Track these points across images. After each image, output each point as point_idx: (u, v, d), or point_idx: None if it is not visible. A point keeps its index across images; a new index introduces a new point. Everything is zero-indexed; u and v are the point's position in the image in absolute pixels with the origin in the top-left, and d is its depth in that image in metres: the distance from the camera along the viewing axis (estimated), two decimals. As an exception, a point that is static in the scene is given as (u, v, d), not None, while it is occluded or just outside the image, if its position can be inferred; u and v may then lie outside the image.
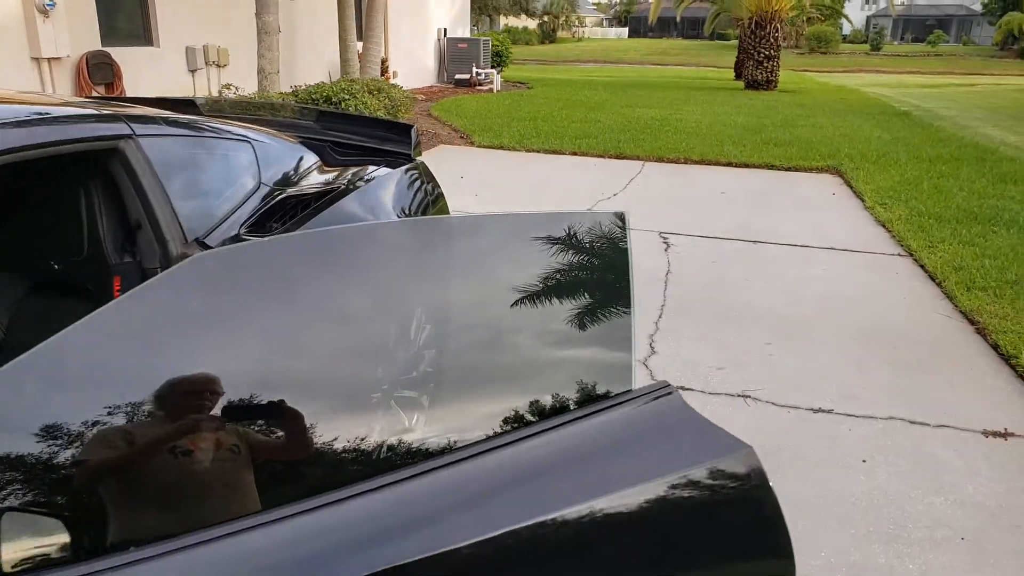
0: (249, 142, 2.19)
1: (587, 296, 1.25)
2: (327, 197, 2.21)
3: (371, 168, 2.71)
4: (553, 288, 1.22)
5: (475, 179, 7.95)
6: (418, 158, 2.92)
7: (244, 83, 9.44)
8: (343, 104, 7.86)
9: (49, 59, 8.32)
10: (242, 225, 1.93)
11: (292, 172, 2.34)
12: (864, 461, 2.94)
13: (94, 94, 8.26)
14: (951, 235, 6.04)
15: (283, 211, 2.07)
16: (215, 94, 9.28)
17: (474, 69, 17.66)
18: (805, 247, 5.89)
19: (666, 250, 5.74)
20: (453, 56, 17.99)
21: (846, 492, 2.72)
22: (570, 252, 1.27)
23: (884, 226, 6.53)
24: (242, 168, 2.09)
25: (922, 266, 5.44)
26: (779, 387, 3.54)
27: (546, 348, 1.19)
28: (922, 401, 3.45)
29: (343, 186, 2.37)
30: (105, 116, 1.72)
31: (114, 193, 1.76)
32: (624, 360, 1.19)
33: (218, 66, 10.60)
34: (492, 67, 18.27)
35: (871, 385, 3.60)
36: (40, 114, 1.55)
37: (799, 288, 4.94)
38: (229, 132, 2.16)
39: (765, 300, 4.73)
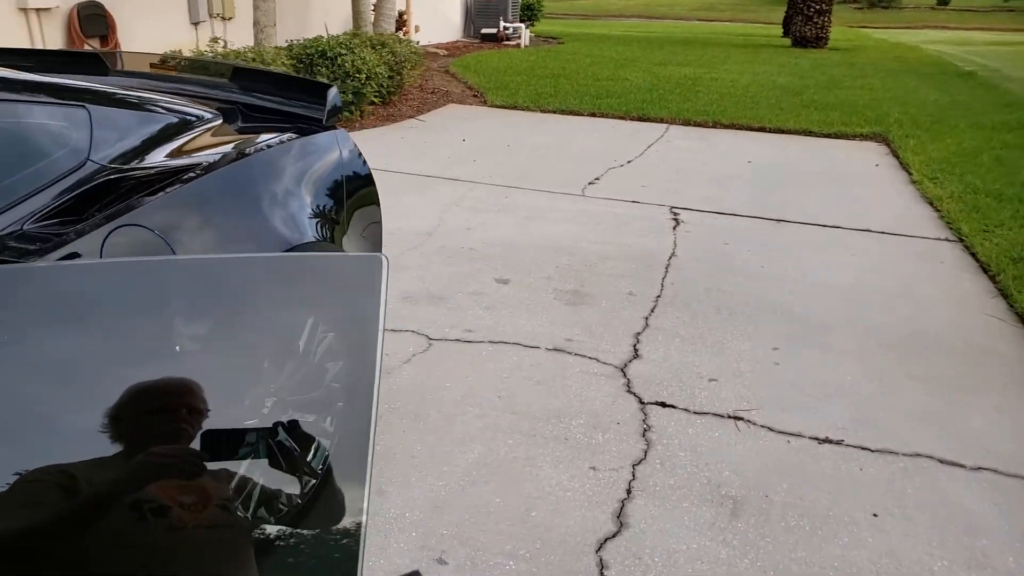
0: (84, 108, 1.71)
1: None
2: (179, 178, 1.73)
3: (265, 137, 2.21)
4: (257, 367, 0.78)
5: (477, 142, 7.39)
6: (336, 128, 2.41)
7: (251, 37, 8.95)
8: (339, 60, 7.34)
9: (37, 9, 7.92)
10: (33, 217, 1.46)
11: (145, 145, 1.86)
12: (875, 515, 2.39)
13: (86, 48, 7.86)
14: (1011, 218, 5.29)
15: (108, 196, 1.60)
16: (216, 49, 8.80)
17: (501, 23, 16.90)
18: (835, 228, 5.23)
19: (674, 228, 5.15)
20: (480, 9, 17.23)
21: (846, 561, 2.19)
22: (299, 314, 0.80)
23: (932, 204, 5.81)
24: (58, 141, 1.61)
25: (973, 254, 4.75)
26: (780, 407, 2.99)
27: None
28: (958, 433, 2.86)
29: (210, 162, 1.88)
30: None
31: None
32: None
33: (223, 19, 10.10)
34: (521, 21, 17.47)
35: (895, 409, 3.02)
36: None
37: (822, 279, 4.32)
38: (61, 95, 1.68)
39: (780, 293, 4.13)
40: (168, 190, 1.69)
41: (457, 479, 2.44)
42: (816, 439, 2.79)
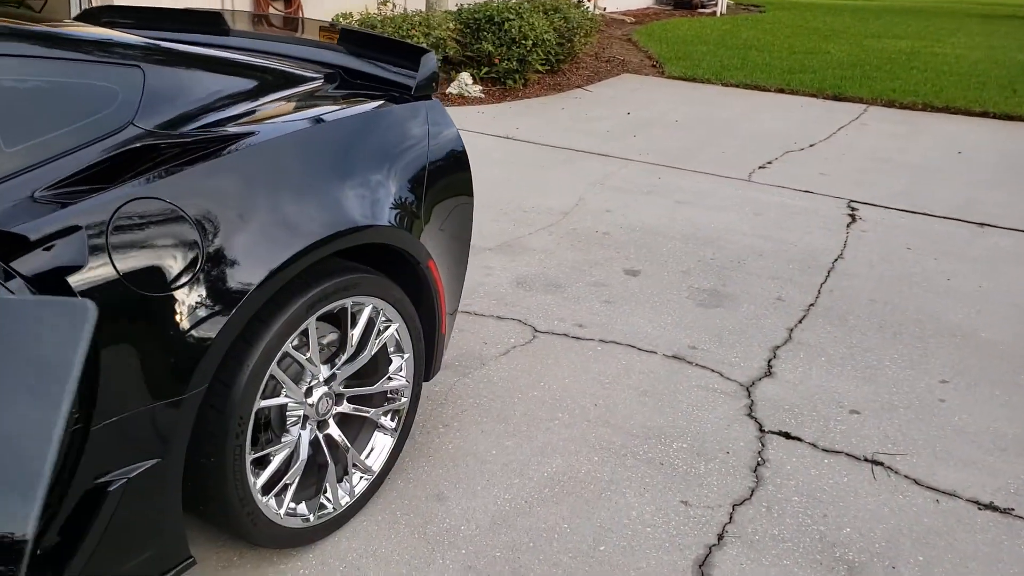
0: (139, 68, 1.68)
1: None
2: (229, 146, 1.65)
3: (343, 104, 2.09)
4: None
5: (643, 116, 6.99)
6: (430, 99, 2.25)
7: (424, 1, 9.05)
8: (506, 25, 7.22)
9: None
10: (56, 181, 1.44)
11: (205, 110, 1.80)
12: (1036, 619, 1.90)
13: (271, 11, 8.34)
14: None
15: (144, 163, 1.55)
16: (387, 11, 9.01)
17: (696, -11, 16.01)
18: (1058, 239, 4.37)
19: (848, 226, 4.53)
20: (675, -27, 16.42)
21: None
22: None
23: None
24: (103, 102, 1.59)
25: None
26: (936, 455, 2.49)
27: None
28: None
29: (268, 130, 1.79)
30: None
31: None
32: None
33: (406, -18, 10.36)
34: (719, -14, 16.44)
35: (1094, 478, 2.41)
36: None
37: (1022, 301, 3.61)
38: (117, 55, 1.66)
39: (964, 313, 3.49)
40: (212, 159, 1.61)
41: (526, 494, 2.24)
42: (976, 503, 2.29)
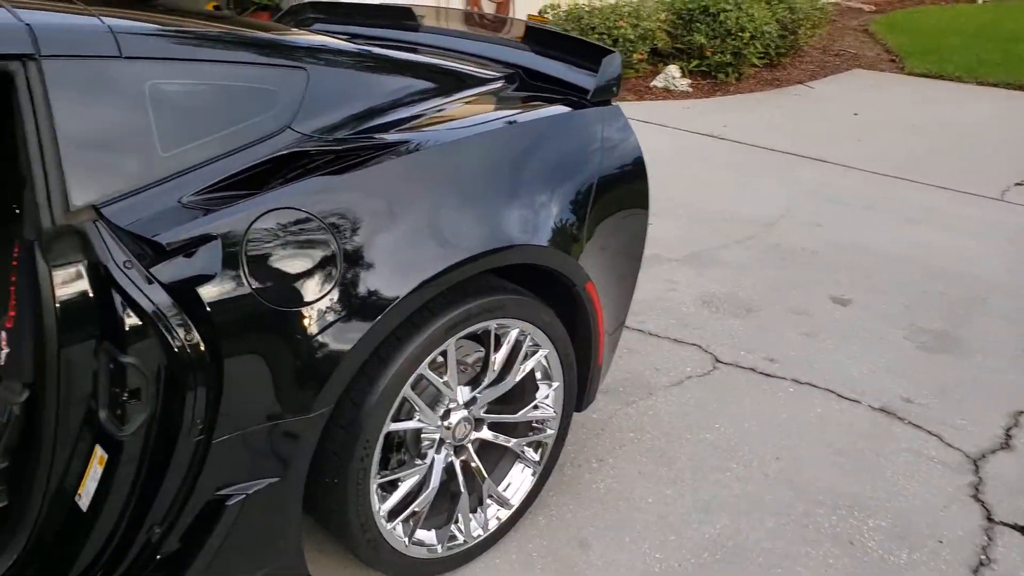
0: (303, 70, 1.63)
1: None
2: (387, 154, 1.56)
3: (515, 108, 1.95)
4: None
5: (872, 117, 6.23)
6: (610, 104, 2.04)
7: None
8: (721, 16, 6.74)
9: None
10: (203, 186, 1.42)
11: (369, 114, 1.72)
12: None
13: (483, 3, 8.45)
14: None
15: (294, 169, 1.50)
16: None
17: (955, -29, 14.18)
18: None
19: None
20: (930, -46, 14.67)
21: None
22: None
23: None
24: (262, 105, 1.55)
25: None
26: None
27: None
28: None
29: (430, 137, 1.68)
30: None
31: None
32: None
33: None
34: (984, -32, 14.45)
35: None
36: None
37: None
38: (284, 56, 1.62)
39: None
40: (363, 168, 1.52)
41: (681, 556, 1.98)
42: None
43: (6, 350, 1.36)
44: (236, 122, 1.52)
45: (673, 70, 6.82)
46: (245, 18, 2.69)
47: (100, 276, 1.30)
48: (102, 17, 1.45)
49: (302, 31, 2.26)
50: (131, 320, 1.31)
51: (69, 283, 1.30)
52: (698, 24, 6.89)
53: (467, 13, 6.78)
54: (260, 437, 1.44)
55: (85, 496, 1.40)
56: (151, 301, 1.30)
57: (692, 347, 2.94)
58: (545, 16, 6.89)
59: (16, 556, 1.40)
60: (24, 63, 1.27)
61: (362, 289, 1.48)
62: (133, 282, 1.30)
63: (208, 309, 1.34)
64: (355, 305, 1.48)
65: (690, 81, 6.86)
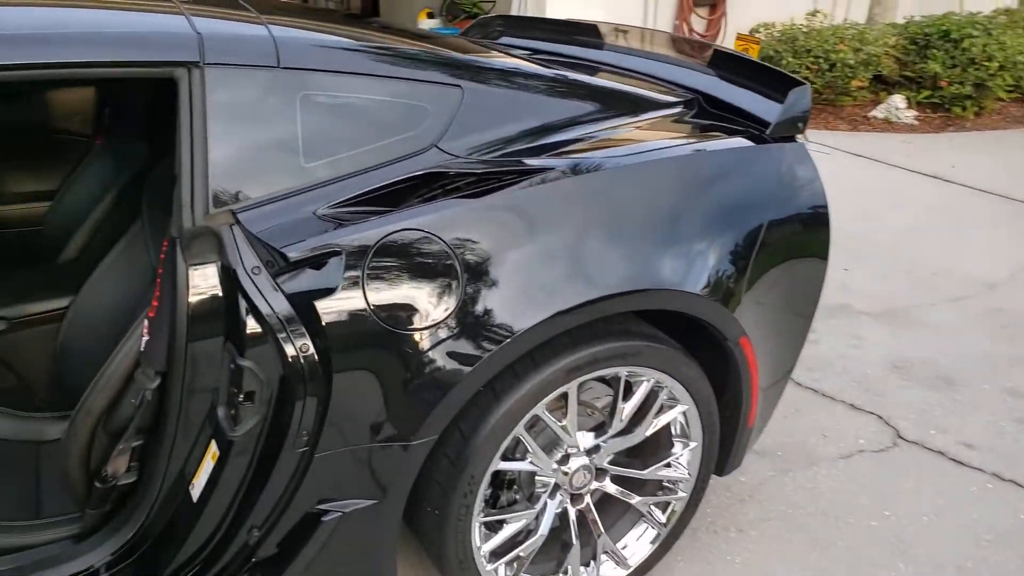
0: (459, 87, 1.60)
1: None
2: (533, 179, 1.49)
3: (685, 139, 1.80)
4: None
5: None
6: (793, 139, 1.83)
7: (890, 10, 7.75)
8: (965, 43, 5.96)
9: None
10: (339, 202, 1.41)
11: (525, 135, 1.65)
12: None
13: (692, 18, 8.15)
14: None
15: (431, 190, 1.47)
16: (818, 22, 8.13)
17: None
18: None
19: None
20: None
21: None
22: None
23: None
24: (411, 122, 1.54)
25: None
26: None
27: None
28: None
29: (586, 163, 1.58)
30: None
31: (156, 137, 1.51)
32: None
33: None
34: None
35: None
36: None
37: None
38: (442, 72, 1.60)
39: None
40: (501, 193, 1.45)
41: (818, 661, 1.73)
42: None
43: (146, 337, 1.44)
44: (382, 138, 1.51)
45: (898, 100, 6.20)
46: (419, 30, 2.74)
47: (229, 279, 1.34)
48: (271, 26, 1.50)
49: (481, 44, 2.25)
50: (252, 325, 1.33)
51: (202, 282, 1.35)
52: (934, 51, 6.21)
53: (671, 36, 6.61)
54: (362, 457, 1.42)
55: (197, 487, 1.45)
56: (272, 309, 1.32)
57: (870, 416, 2.59)
58: (757, 36, 6.53)
59: (134, 532, 1.49)
60: (189, 70, 1.34)
61: (482, 318, 1.42)
62: (258, 288, 1.33)
63: (324, 323, 1.33)
64: (472, 334, 1.41)
65: (916, 113, 6.20)
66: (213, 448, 1.43)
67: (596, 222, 1.54)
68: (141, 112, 2.13)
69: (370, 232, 1.36)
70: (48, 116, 2.54)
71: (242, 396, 1.36)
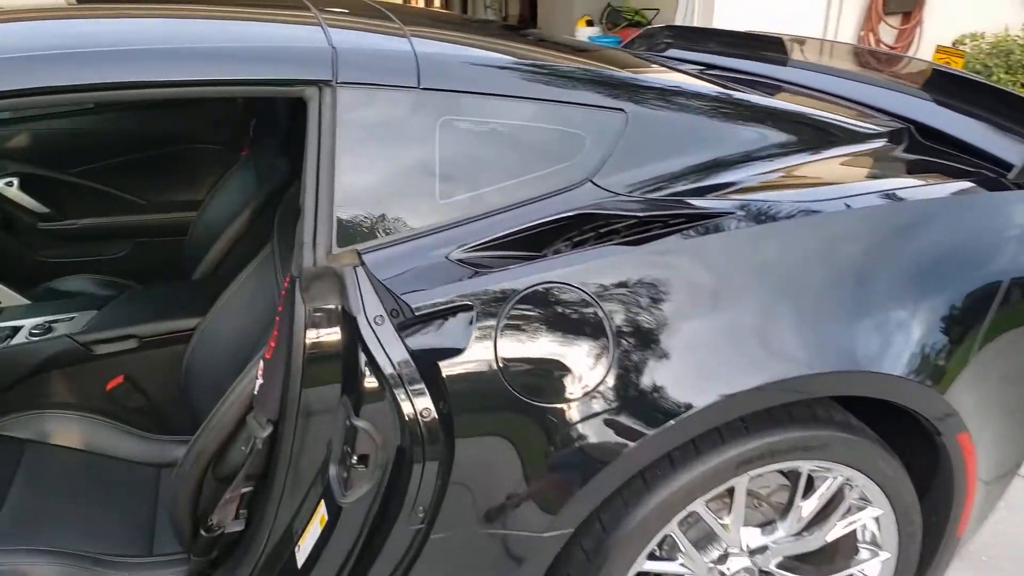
0: (622, 112, 1.38)
1: None
2: (706, 226, 1.25)
3: (903, 180, 1.50)
4: None
5: None
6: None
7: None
8: None
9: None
10: (475, 245, 1.22)
11: (696, 170, 1.40)
12: None
13: (881, 28, 7.46)
14: None
15: (584, 234, 1.26)
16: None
17: None
18: None
19: None
20: None
21: None
22: None
23: None
24: (558, 153, 1.33)
25: None
26: None
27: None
28: None
29: (772, 208, 1.31)
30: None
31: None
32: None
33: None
34: None
35: None
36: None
37: None
38: (604, 94, 1.38)
39: None
40: (666, 244, 1.21)
41: None
42: None
43: (260, 380, 1.32)
44: (529, 170, 1.31)
45: None
46: (579, 41, 2.53)
47: (350, 326, 1.19)
48: (414, 39, 1.35)
49: (647, 59, 2.02)
50: (370, 380, 1.18)
51: (320, 327, 1.21)
52: None
53: (856, 48, 6.05)
54: (483, 544, 1.23)
55: (302, 551, 1.31)
56: (393, 364, 1.16)
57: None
58: (960, 48, 5.83)
59: (237, 587, 1.38)
60: (320, 88, 1.20)
61: (637, 394, 1.19)
62: (380, 340, 1.17)
63: (450, 386, 1.16)
64: (624, 412, 1.19)
65: None
66: (322, 510, 1.29)
67: (781, 284, 1.27)
68: (283, 124, 2.07)
69: (510, 283, 1.16)
70: (202, 125, 2.56)
71: (356, 458, 1.21)
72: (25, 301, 1.95)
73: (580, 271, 1.18)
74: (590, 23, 7.10)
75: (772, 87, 1.93)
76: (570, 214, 1.28)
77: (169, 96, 1.17)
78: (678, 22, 6.43)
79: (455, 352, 1.15)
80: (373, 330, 1.17)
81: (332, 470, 1.26)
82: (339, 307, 1.21)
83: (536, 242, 1.26)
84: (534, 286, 1.16)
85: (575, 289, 1.17)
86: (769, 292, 1.25)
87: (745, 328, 1.22)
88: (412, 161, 1.25)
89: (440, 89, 1.27)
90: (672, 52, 2.34)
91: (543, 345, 1.17)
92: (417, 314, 1.16)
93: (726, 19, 5.58)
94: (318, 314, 1.21)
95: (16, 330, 1.79)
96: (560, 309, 1.17)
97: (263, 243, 1.87)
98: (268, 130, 2.15)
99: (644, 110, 1.43)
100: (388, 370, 1.16)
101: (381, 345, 1.17)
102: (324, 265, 1.20)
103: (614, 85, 1.45)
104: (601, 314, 1.17)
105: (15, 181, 2.33)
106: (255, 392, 1.35)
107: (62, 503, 1.62)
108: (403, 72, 1.25)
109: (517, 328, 1.16)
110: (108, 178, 2.47)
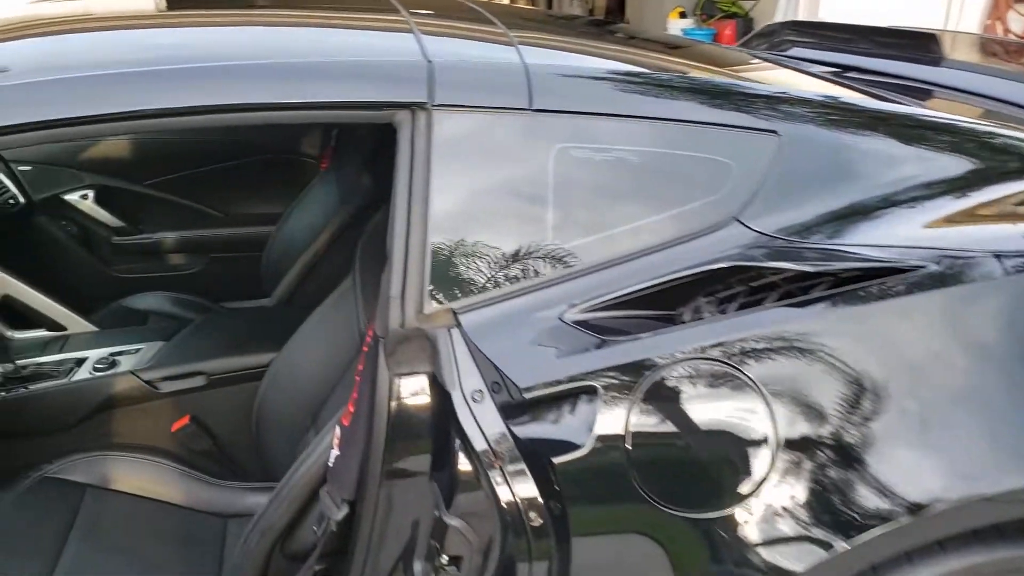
0: (774, 135, 1.12)
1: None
2: (893, 287, 0.99)
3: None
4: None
5: None
6: None
7: None
8: None
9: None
10: (596, 304, 0.98)
11: (865, 211, 1.13)
12: None
13: (1010, 17, 6.87)
14: None
15: (731, 289, 1.02)
16: None
17: None
18: None
19: None
20: None
21: None
22: None
23: None
24: (695, 185, 1.09)
25: None
26: None
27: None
28: None
29: (957, 266, 1.04)
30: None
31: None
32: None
33: None
34: None
35: None
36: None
37: None
38: (750, 110, 1.13)
39: None
40: (856, 302, 0.96)
41: None
42: None
43: (336, 452, 1.14)
44: (664, 208, 1.07)
45: None
46: (702, 44, 2.25)
47: (443, 400, 0.99)
48: (520, 46, 1.13)
49: (769, 60, 1.75)
50: (465, 466, 0.97)
51: (408, 398, 1.01)
52: None
53: (983, 39, 5.52)
54: None
55: (382, 658, 1.12)
56: (493, 451, 0.95)
57: None
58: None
59: None
60: (413, 112, 1.00)
61: (814, 500, 0.94)
62: (477, 420, 0.96)
63: (564, 481, 0.94)
64: (799, 523, 0.94)
65: None
66: (406, 609, 1.10)
67: (1009, 356, 0.99)
68: (368, 138, 1.89)
69: (646, 356, 0.93)
70: (281, 135, 2.42)
71: (445, 558, 1.01)
72: (91, 327, 1.83)
73: (739, 340, 0.94)
74: (683, 15, 6.74)
75: (922, 92, 1.63)
76: (714, 267, 1.03)
77: (212, 124, 0.98)
78: (780, 14, 6.02)
79: (572, 445, 0.92)
80: (470, 407, 0.96)
81: (418, 566, 1.06)
82: (430, 376, 1.00)
83: (674, 302, 1.02)
84: (679, 360, 0.93)
85: (733, 365, 0.93)
86: (995, 371, 0.98)
87: (960, 420, 0.96)
88: (521, 200, 1.03)
89: (556, 110, 1.04)
90: (796, 52, 2.05)
91: (690, 433, 0.93)
92: (526, 395, 0.94)
93: (834, 10, 5.18)
94: (405, 383, 1.01)
95: (80, 362, 1.67)
96: (713, 390, 0.93)
97: (342, 268, 1.69)
98: (351, 142, 1.97)
99: (800, 131, 1.17)
100: (487, 458, 0.96)
101: (479, 426, 0.96)
102: (413, 326, 1.00)
103: (762, 98, 1.19)
104: (767, 397, 0.93)
105: (90, 194, 2.23)
106: (330, 463, 1.17)
107: (121, 558, 1.49)
108: (511, 90, 1.03)
109: (654, 415, 0.93)
110: (184, 190, 2.35)
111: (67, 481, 1.55)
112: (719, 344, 0.93)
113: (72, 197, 2.22)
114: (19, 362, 1.61)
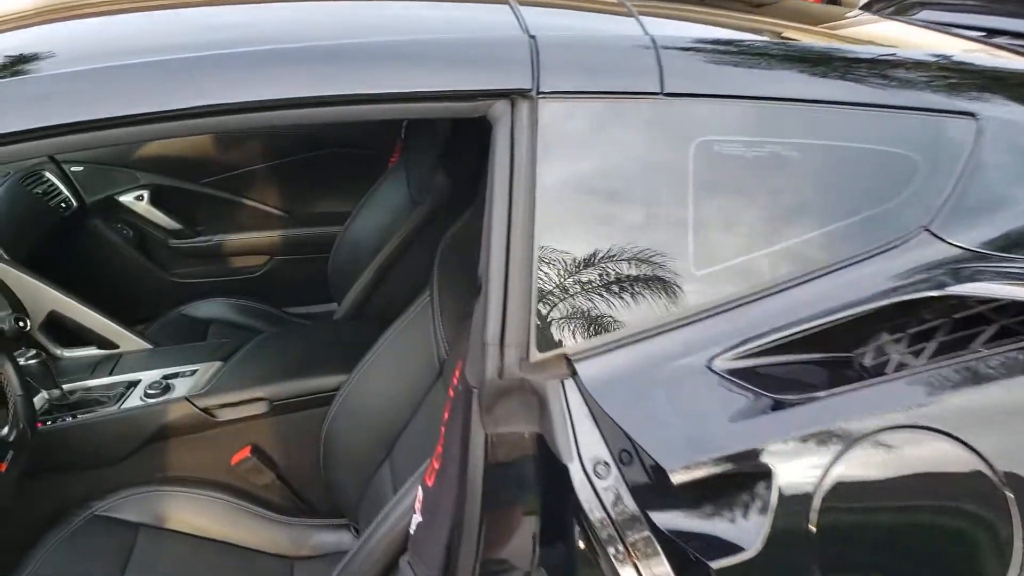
0: (973, 119, 0.86)
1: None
2: None
3: None
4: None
5: None
6: None
7: None
8: None
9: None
10: (752, 348, 0.76)
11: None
12: None
13: None
14: None
15: (936, 317, 0.78)
16: None
17: None
18: None
19: None
20: None
21: None
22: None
23: None
24: (873, 186, 0.84)
25: None
26: None
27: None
28: None
29: None
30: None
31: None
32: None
33: None
34: None
35: None
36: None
37: None
38: (939, 89, 0.88)
39: None
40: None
41: None
42: None
43: (418, 517, 0.95)
44: (834, 217, 0.84)
45: None
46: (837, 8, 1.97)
47: (554, 469, 0.78)
48: (641, 16, 0.91)
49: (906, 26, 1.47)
50: (584, 552, 0.77)
51: (510, 464, 0.81)
52: None
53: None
54: None
55: None
56: (624, 545, 0.74)
57: None
58: None
59: None
60: (513, 102, 0.79)
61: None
62: (600, 500, 0.75)
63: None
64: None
65: None
66: None
67: None
68: (439, 127, 1.68)
69: (836, 423, 0.70)
70: (347, 127, 2.24)
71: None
72: (144, 344, 1.69)
73: (953, 408, 0.70)
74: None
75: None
76: (934, 294, 0.78)
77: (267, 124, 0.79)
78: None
79: (733, 546, 0.70)
80: (591, 482, 0.76)
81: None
82: (537, 438, 0.80)
83: (840, 336, 0.79)
84: (882, 429, 0.69)
85: (945, 437, 0.69)
86: None
87: None
88: (652, 211, 0.80)
89: (695, 94, 0.82)
90: (924, 15, 1.76)
91: (903, 533, 0.70)
92: (670, 474, 0.72)
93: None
94: (505, 445, 0.81)
95: (132, 385, 1.53)
96: (932, 469, 0.70)
97: (417, 277, 1.50)
98: (422, 135, 1.78)
99: (1001, 113, 0.91)
100: (614, 546, 0.75)
101: (604, 506, 0.75)
102: (515, 376, 0.79)
103: (952, 73, 0.94)
104: (997, 480, 0.69)
105: (145, 195, 2.10)
106: (411, 530, 0.98)
107: (177, 607, 1.35)
108: (636, 71, 0.81)
109: (844, 503, 0.70)
110: (244, 188, 2.20)
111: (118, 520, 1.41)
112: (944, 407, 0.69)
113: (127, 198, 2.10)
114: (66, 387, 1.48)
